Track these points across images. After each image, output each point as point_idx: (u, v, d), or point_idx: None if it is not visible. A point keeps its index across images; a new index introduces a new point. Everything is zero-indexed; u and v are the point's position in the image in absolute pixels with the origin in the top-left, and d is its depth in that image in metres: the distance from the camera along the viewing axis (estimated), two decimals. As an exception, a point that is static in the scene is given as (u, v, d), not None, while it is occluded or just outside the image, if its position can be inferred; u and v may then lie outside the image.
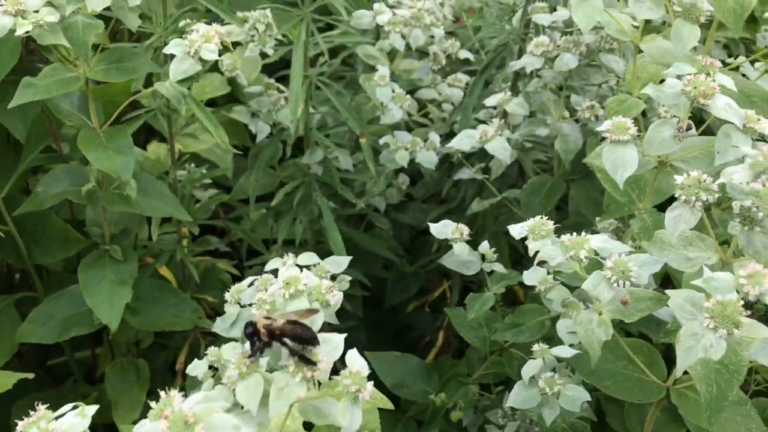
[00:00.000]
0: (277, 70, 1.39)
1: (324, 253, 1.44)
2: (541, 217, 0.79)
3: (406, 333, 1.65)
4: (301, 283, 0.69)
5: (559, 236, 1.26)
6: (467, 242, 1.43)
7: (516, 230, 0.79)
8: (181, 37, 0.99)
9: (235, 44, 1.21)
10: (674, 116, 0.78)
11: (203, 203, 1.40)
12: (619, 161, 0.77)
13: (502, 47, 1.16)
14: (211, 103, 1.36)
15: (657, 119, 0.79)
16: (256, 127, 1.23)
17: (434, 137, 1.24)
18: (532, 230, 0.77)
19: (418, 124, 1.36)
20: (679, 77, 0.77)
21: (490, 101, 1.13)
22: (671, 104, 0.77)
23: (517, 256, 1.45)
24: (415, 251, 1.61)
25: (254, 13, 1.17)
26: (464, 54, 1.22)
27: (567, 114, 1.10)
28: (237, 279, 1.55)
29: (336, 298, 0.72)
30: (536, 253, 0.76)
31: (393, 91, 1.18)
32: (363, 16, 1.19)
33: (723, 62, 1.36)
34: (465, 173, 1.26)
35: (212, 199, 1.39)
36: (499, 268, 1.03)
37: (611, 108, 0.90)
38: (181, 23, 1.17)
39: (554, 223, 1.36)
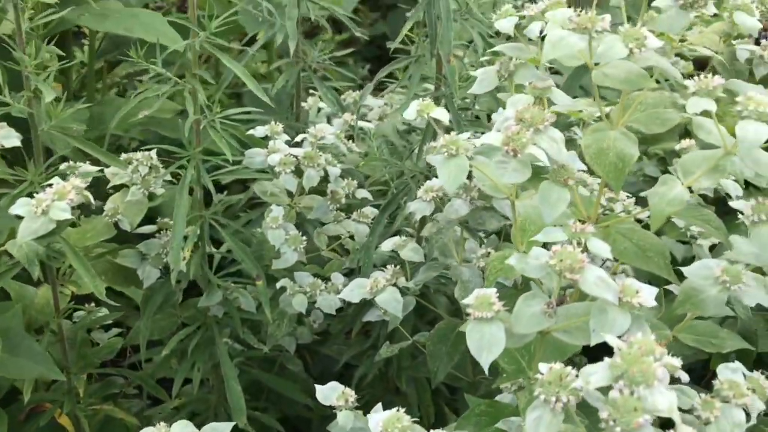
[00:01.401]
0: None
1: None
2: (397, 410, 0.69)
3: (334, 474, 1.52)
4: None
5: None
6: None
7: (372, 424, 0.69)
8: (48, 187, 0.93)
9: (121, 186, 1.15)
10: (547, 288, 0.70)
11: (99, 348, 1.30)
12: (484, 342, 0.68)
13: (403, 185, 1.10)
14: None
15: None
16: (143, 272, 1.15)
17: (337, 278, 1.15)
18: (386, 427, 0.68)
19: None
20: (548, 245, 0.70)
21: (385, 246, 1.05)
22: (540, 277, 0.69)
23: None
24: (344, 384, 1.50)
25: (138, 155, 1.11)
26: (362, 194, 1.15)
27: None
28: (143, 423, 1.44)
29: None
30: None
31: (287, 233, 1.10)
32: (256, 155, 1.13)
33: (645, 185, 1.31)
34: (373, 314, 1.17)
35: (108, 345, 1.30)
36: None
37: (493, 266, 0.82)
38: (62, 166, 1.11)
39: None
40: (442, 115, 0.78)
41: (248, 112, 1.14)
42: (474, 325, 0.69)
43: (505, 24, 0.81)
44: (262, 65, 2.39)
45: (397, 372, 1.26)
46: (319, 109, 1.52)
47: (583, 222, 0.89)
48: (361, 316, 1.22)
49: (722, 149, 0.74)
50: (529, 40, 0.85)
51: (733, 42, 1.65)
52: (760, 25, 0.78)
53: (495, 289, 0.71)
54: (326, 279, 1.17)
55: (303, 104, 1.47)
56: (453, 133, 0.76)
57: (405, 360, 1.26)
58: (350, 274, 1.26)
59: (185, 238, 1.10)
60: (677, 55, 1.74)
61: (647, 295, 0.69)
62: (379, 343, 1.26)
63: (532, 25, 0.80)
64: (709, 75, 0.70)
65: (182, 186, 1.06)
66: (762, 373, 0.76)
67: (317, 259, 1.34)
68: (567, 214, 0.79)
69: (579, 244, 0.70)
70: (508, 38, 0.88)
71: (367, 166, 1.29)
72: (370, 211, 1.20)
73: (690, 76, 1.76)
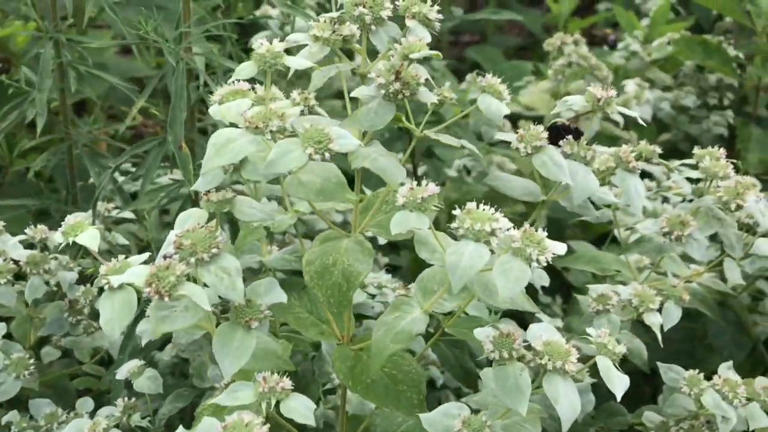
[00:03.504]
0: None
1: None
2: None
3: None
4: None
5: None
6: None
7: None
8: None
9: None
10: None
11: None
12: None
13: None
14: None
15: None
16: None
17: (84, 405, 0.94)
18: None
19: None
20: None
21: (120, 373, 0.86)
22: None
23: None
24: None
25: None
26: (102, 304, 0.96)
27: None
28: None
29: None
30: None
31: (8, 356, 0.90)
32: (-28, 260, 0.92)
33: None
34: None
35: None
36: None
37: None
38: None
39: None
40: (91, 240, 0.60)
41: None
42: None
43: (232, 110, 0.64)
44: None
45: None
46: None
47: (342, 339, 0.74)
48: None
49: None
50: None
51: (557, 102, 1.56)
52: (507, 110, 0.65)
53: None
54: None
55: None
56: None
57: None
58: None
59: None
60: (512, 116, 1.65)
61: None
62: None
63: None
64: (424, 182, 0.55)
65: None
66: None
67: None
68: (274, 353, 0.62)
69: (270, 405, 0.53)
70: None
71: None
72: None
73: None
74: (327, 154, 0.52)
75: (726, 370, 0.83)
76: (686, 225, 0.81)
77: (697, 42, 1.88)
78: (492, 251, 0.53)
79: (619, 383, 0.59)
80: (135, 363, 0.86)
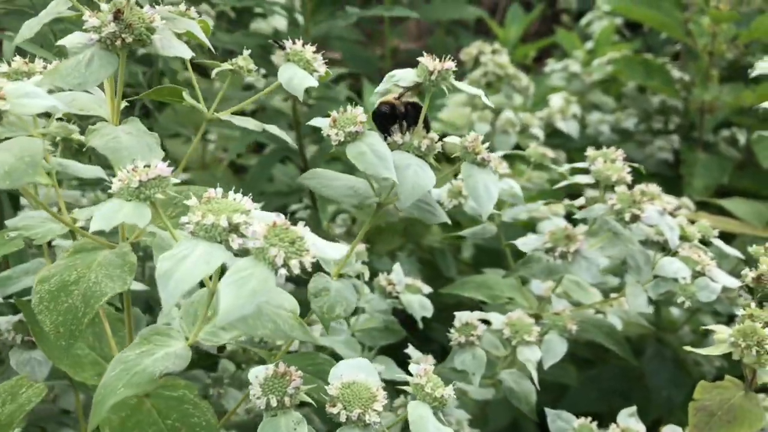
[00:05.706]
0: None
1: None
2: None
3: None
4: None
5: None
6: None
7: None
8: None
9: None
10: None
11: None
12: None
13: None
14: None
15: None
16: None
17: None
18: None
19: None
20: None
21: None
22: None
23: None
24: None
25: None
26: None
27: None
28: None
29: None
30: None
31: None
32: None
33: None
34: None
35: None
36: None
37: None
38: None
39: None
40: None
41: None
42: None
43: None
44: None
45: None
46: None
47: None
48: None
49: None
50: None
51: (473, 114, 1.44)
52: (314, 83, 0.50)
53: None
54: None
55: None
56: None
57: None
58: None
59: None
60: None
61: None
62: None
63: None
64: (154, 162, 0.40)
65: None
66: None
67: None
68: None
69: None
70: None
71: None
72: None
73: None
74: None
75: (627, 418, 0.68)
76: (573, 240, 0.66)
77: (638, 61, 1.77)
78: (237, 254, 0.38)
79: (434, 441, 0.44)
80: None
